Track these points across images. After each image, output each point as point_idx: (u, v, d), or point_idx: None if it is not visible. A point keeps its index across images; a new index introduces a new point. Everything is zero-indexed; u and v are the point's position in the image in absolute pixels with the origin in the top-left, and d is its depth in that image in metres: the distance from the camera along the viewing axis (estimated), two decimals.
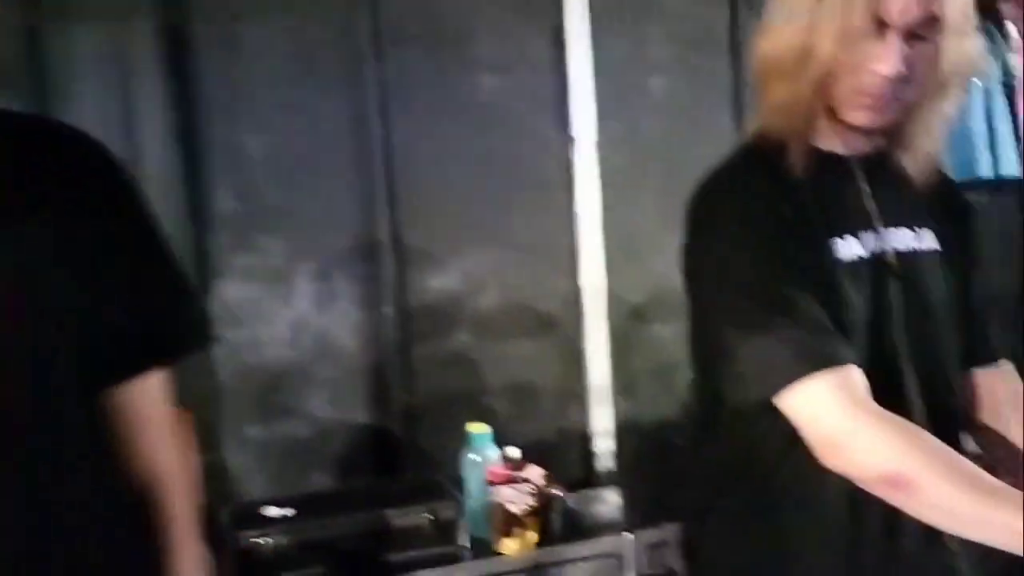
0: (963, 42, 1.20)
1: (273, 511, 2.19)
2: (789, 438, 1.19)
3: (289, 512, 2.19)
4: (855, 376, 1.15)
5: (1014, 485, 1.13)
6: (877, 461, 1.11)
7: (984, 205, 2.82)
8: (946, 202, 1.36)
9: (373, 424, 2.55)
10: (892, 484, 1.10)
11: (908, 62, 1.16)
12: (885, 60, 1.15)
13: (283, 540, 2.11)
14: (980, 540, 1.13)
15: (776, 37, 1.22)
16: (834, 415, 1.13)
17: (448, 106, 2.58)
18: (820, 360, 1.14)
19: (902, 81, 1.16)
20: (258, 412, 2.47)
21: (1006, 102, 3.79)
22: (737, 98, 2.79)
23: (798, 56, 1.18)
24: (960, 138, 3.74)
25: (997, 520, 1.06)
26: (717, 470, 1.35)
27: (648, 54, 2.81)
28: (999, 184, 3.81)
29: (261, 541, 2.10)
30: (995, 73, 3.80)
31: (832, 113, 1.22)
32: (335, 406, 2.52)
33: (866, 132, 1.25)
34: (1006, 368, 1.38)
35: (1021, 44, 3.82)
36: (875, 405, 1.14)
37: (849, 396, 1.14)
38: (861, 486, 1.15)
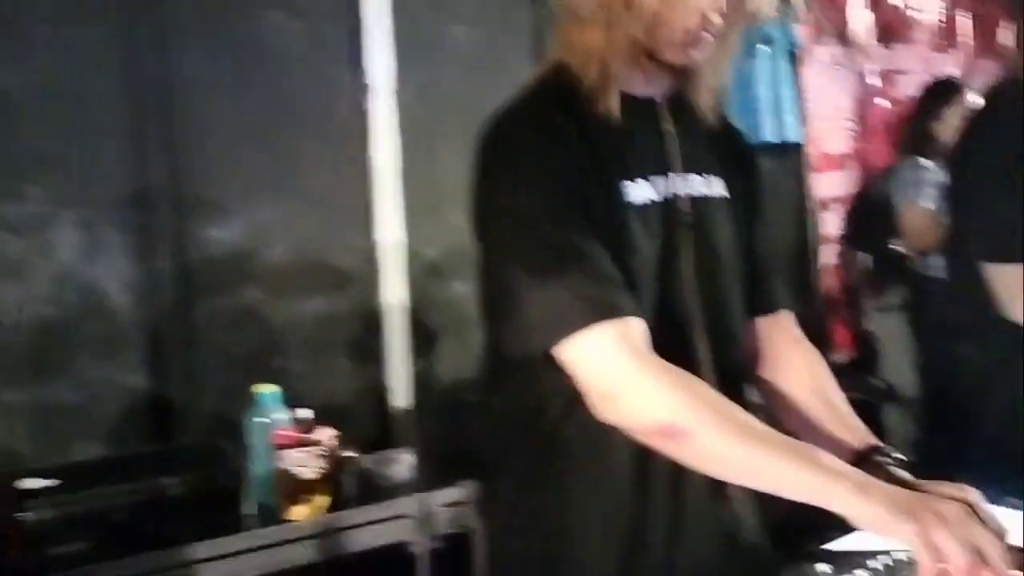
0: None
1: (34, 483, 1.98)
2: (573, 393, 1.15)
3: (52, 483, 1.98)
4: (636, 328, 1.12)
5: (792, 435, 1.14)
6: (651, 412, 1.09)
7: (769, 168, 2.92)
8: (734, 151, 1.35)
9: (148, 387, 2.36)
10: (666, 435, 1.08)
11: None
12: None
13: (46, 514, 1.94)
14: (756, 487, 1.12)
15: None
16: (612, 366, 1.10)
17: (232, 43, 2.40)
18: (602, 310, 1.10)
19: (722, 16, 1.15)
20: (17, 375, 2.23)
21: (790, 69, 3.97)
22: (539, 48, 2.74)
23: (620, 3, 1.14)
24: (746, 103, 3.89)
25: (768, 468, 1.06)
26: (504, 427, 1.29)
27: (448, 1, 2.72)
28: (783, 148, 3.99)
29: (21, 516, 1.90)
30: (781, 41, 3.97)
31: (649, 55, 1.18)
32: (104, 368, 2.31)
33: (670, 71, 1.22)
34: (786, 317, 1.38)
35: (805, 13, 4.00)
36: (654, 357, 1.11)
37: (629, 347, 1.10)
38: (637, 438, 1.12)
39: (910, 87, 4.48)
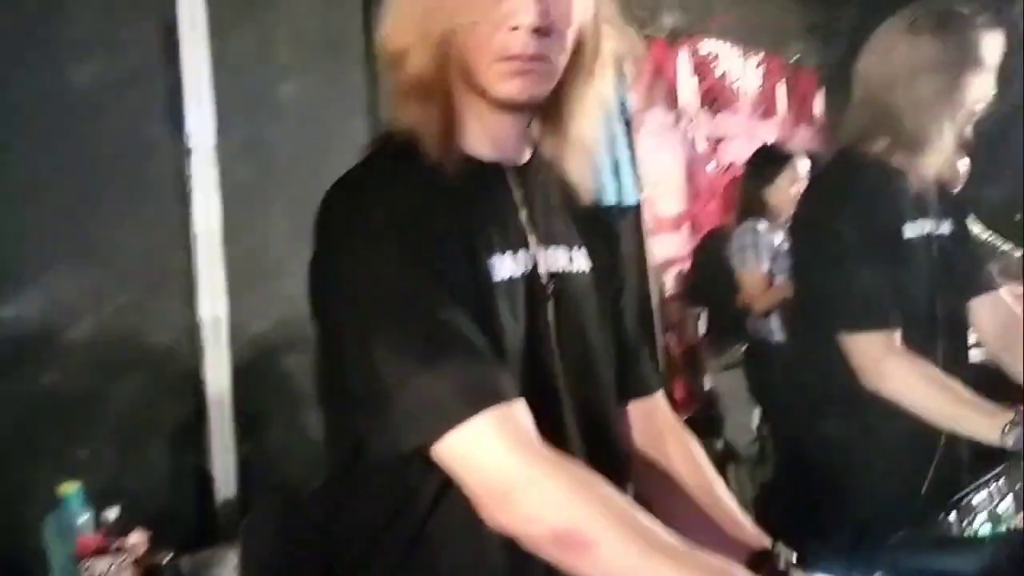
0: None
1: None
2: (442, 486, 1.01)
3: None
4: (522, 414, 0.98)
5: (670, 524, 1.00)
6: (548, 517, 0.94)
7: None
8: (595, 221, 1.24)
9: None
10: (564, 544, 0.93)
11: (548, 12, 1.02)
12: (523, 9, 1.00)
13: None
14: None
15: (398, 9, 1.06)
16: (500, 462, 0.95)
17: (35, 93, 2.13)
18: (483, 397, 0.96)
19: (546, 36, 1.02)
20: None
21: (626, 133, 3.99)
22: (373, 106, 2.60)
23: (420, 22, 1.02)
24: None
25: None
26: (361, 528, 1.12)
27: (275, 56, 2.54)
28: (623, 211, 3.99)
29: None
30: (616, 108, 3.98)
31: (479, 94, 1.05)
32: None
33: (518, 122, 1.10)
34: (661, 400, 1.27)
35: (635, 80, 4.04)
36: (546, 449, 0.97)
37: (517, 439, 0.96)
38: (528, 546, 0.97)
39: (735, 152, 4.61)
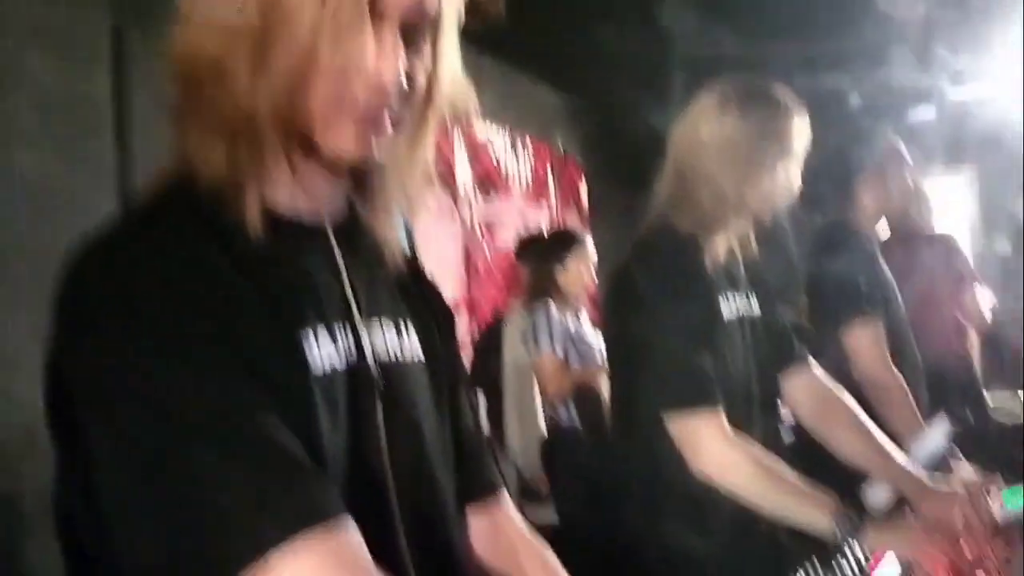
0: (455, 60, 0.90)
1: None
2: None
3: None
4: (351, 534, 0.76)
5: None
6: None
7: None
8: (425, 297, 1.04)
9: None
10: None
11: (416, 66, 0.84)
12: (386, 60, 0.80)
13: None
14: None
15: (206, 36, 0.80)
16: None
17: None
18: (302, 515, 0.73)
19: (400, 94, 0.83)
20: None
21: (401, 216, 3.84)
22: (123, 179, 2.30)
23: (250, 55, 0.78)
24: None
25: None
26: None
27: (12, 121, 2.20)
28: None
29: None
30: None
31: (306, 146, 0.84)
32: None
33: (336, 178, 0.89)
34: (505, 500, 1.09)
35: None
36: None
37: (345, 566, 0.74)
38: None
39: (509, 237, 4.57)
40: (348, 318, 0.88)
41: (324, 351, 0.83)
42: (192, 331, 0.75)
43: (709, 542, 1.68)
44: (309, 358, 0.82)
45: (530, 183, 5.02)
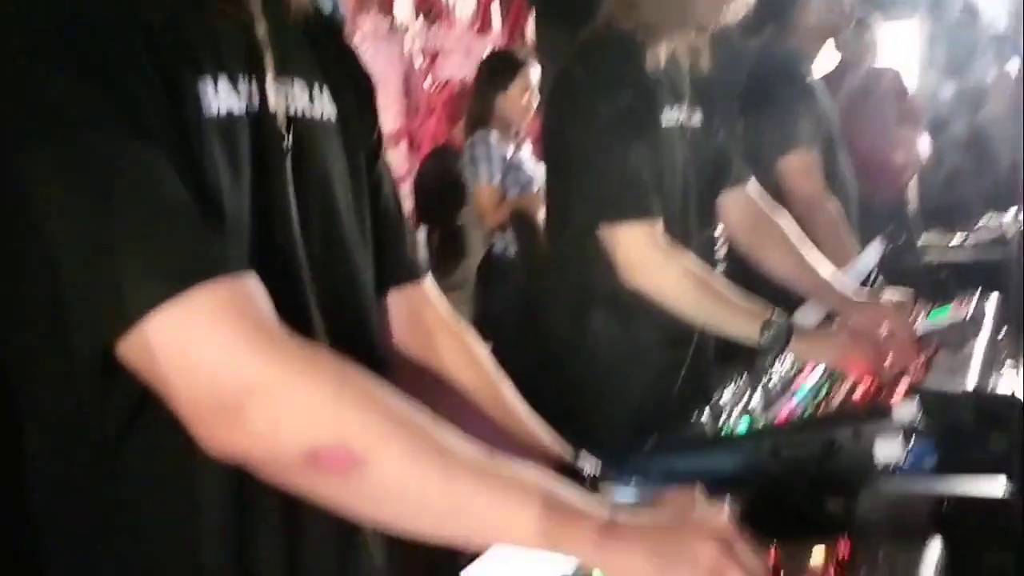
0: None
1: None
2: (136, 412, 0.75)
3: None
4: (253, 290, 0.73)
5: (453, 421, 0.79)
6: (301, 431, 0.69)
7: None
8: (342, 58, 0.98)
9: None
10: (322, 466, 0.69)
11: None
12: None
13: None
14: (454, 538, 0.75)
15: None
16: (224, 356, 0.69)
17: None
18: (192, 266, 0.69)
19: None
20: None
21: None
22: None
23: None
24: None
25: (480, 511, 0.72)
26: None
27: None
28: None
29: None
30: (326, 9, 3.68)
31: None
32: None
33: None
34: (431, 288, 1.06)
35: None
36: (293, 337, 0.72)
37: (247, 323, 0.70)
38: (265, 475, 0.72)
39: (452, 68, 4.44)
40: (255, 71, 0.82)
41: (222, 97, 0.78)
42: (79, 63, 0.69)
43: (637, 352, 1.69)
44: (203, 102, 0.76)
45: (475, 13, 4.85)
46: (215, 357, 0.68)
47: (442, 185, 3.43)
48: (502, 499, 0.71)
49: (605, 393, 1.72)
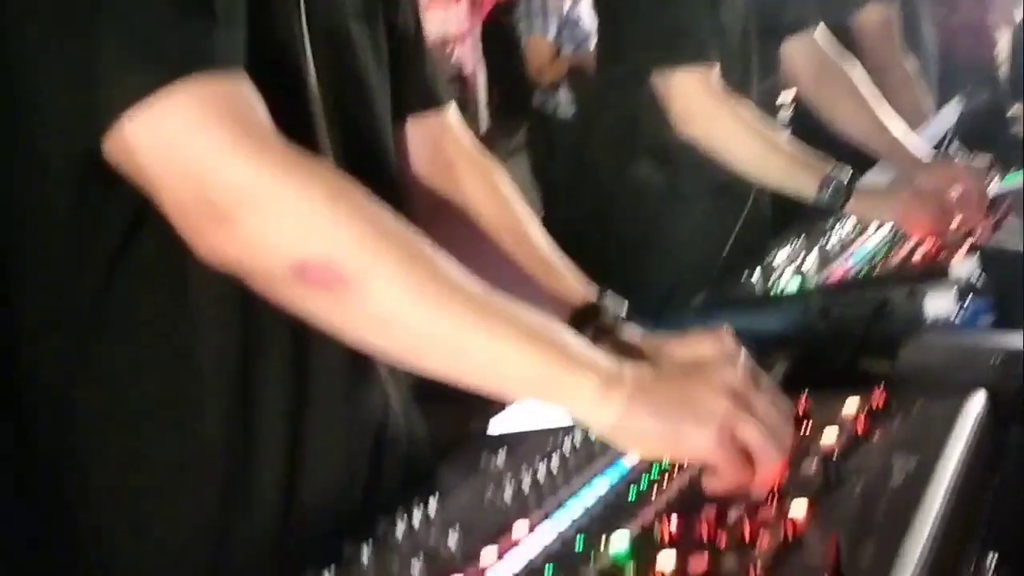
0: None
1: None
2: (136, 221, 0.71)
3: None
4: (246, 92, 0.68)
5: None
6: (290, 239, 0.65)
7: None
8: None
9: None
10: (313, 280, 0.65)
11: None
12: None
13: None
14: (448, 372, 0.70)
15: None
16: (216, 159, 0.65)
17: None
18: (180, 57, 0.64)
19: None
20: None
21: None
22: None
23: None
24: None
25: (478, 344, 0.67)
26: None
27: None
28: None
29: None
30: None
31: None
32: None
33: None
34: (454, 117, 1.00)
35: None
36: (286, 144, 0.67)
37: (239, 125, 0.66)
38: (257, 285, 0.69)
39: None
40: None
41: None
42: None
43: (688, 208, 1.63)
44: None
45: None
46: (201, 158, 0.64)
47: (502, 44, 3.33)
48: (501, 338, 0.66)
49: (654, 249, 1.67)
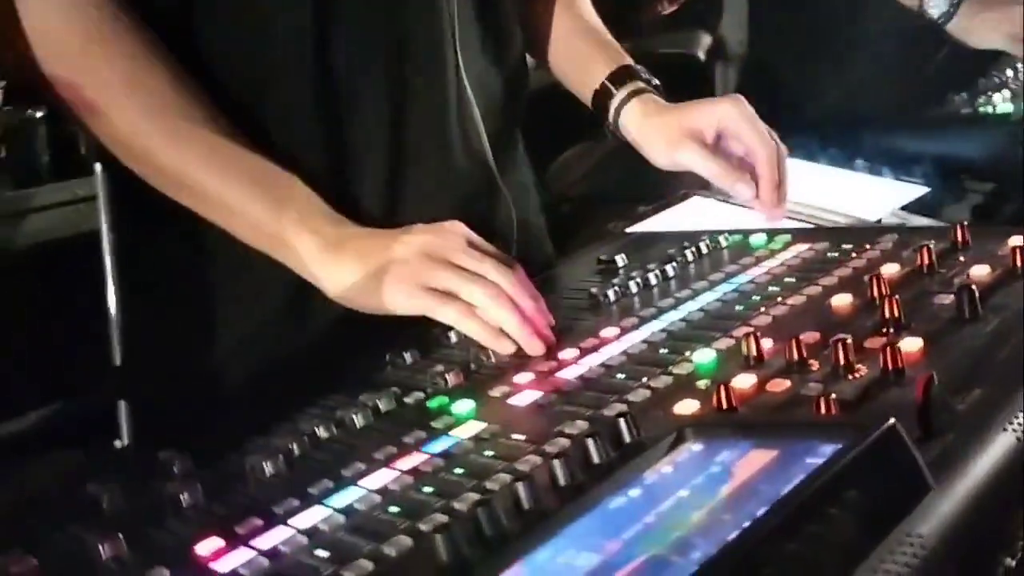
0: None
1: None
2: None
3: None
4: None
5: None
6: (44, 45, 0.71)
7: None
8: None
9: None
10: (68, 93, 0.72)
11: None
12: None
13: None
14: (196, 210, 0.74)
15: None
16: None
17: None
18: None
19: None
20: None
21: None
22: None
23: None
24: None
25: (206, 184, 0.72)
26: None
27: None
28: None
29: None
30: None
31: None
32: None
33: None
34: None
35: None
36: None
37: None
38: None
39: None
40: None
41: None
42: None
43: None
44: None
45: None
46: None
47: None
48: (233, 186, 0.71)
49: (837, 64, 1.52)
